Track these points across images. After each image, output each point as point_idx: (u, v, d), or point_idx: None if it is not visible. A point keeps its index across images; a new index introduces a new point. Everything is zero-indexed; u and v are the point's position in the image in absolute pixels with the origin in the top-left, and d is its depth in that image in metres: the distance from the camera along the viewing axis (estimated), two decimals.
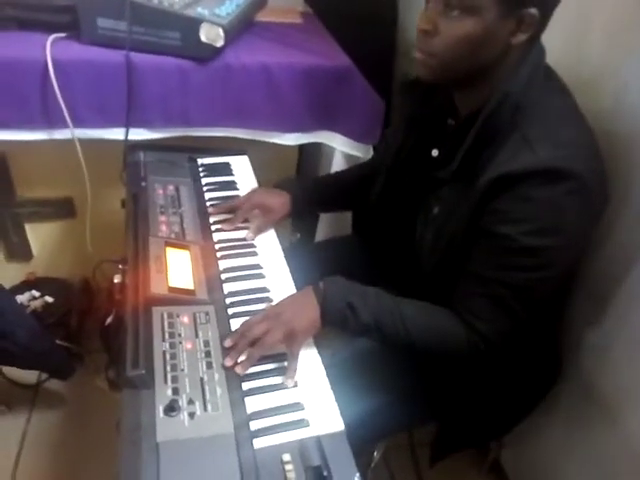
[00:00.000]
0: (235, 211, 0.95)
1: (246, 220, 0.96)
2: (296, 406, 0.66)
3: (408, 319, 0.74)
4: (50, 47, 1.01)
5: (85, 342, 1.40)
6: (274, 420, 0.64)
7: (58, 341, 1.32)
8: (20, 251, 1.40)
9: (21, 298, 1.37)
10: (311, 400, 0.67)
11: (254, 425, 0.63)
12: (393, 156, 0.90)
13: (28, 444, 1.25)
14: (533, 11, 0.65)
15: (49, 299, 1.39)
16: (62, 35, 1.06)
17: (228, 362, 0.68)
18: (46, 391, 1.37)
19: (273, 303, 0.80)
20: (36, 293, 1.40)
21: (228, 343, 0.71)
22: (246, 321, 0.73)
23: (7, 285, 1.40)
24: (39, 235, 1.40)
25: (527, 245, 0.68)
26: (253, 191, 1.00)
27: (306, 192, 1.01)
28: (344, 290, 0.75)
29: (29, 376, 1.35)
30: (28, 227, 1.37)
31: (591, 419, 0.94)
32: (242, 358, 0.69)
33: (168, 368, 0.67)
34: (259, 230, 0.94)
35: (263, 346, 0.69)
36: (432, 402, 0.89)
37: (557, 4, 0.68)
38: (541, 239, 0.68)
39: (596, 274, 0.89)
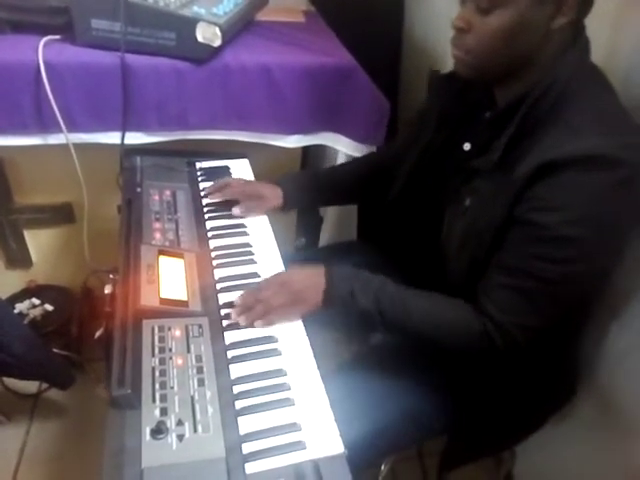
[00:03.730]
0: (226, 189, 0.97)
1: (237, 202, 0.96)
2: (292, 427, 0.61)
3: (411, 307, 0.73)
4: (42, 49, 0.98)
5: (85, 351, 1.37)
6: (268, 442, 0.59)
7: (58, 350, 1.30)
8: (19, 258, 1.38)
9: (21, 306, 1.35)
10: (308, 420, 0.63)
11: (247, 448, 0.59)
12: (419, 153, 0.87)
13: (27, 455, 1.23)
14: None
15: (49, 307, 1.37)
16: (56, 37, 1.04)
17: (233, 315, 0.73)
18: (46, 401, 1.34)
19: None
20: (36, 301, 1.38)
21: (237, 301, 0.75)
22: (255, 284, 0.78)
23: (7, 293, 1.39)
24: (38, 242, 1.38)
25: (563, 235, 0.64)
26: (248, 181, 1.03)
27: (299, 186, 1.02)
28: (349, 277, 0.76)
29: (29, 386, 1.33)
30: (27, 234, 1.35)
31: (608, 431, 0.90)
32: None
33: (157, 386, 0.63)
34: (249, 210, 0.95)
35: (268, 305, 0.73)
36: (442, 414, 0.84)
37: None
38: (579, 229, 0.64)
39: (614, 284, 0.84)
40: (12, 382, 1.30)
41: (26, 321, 1.32)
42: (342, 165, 1.14)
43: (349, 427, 0.63)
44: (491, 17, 0.65)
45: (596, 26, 0.70)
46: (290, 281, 0.76)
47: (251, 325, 0.73)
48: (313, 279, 0.76)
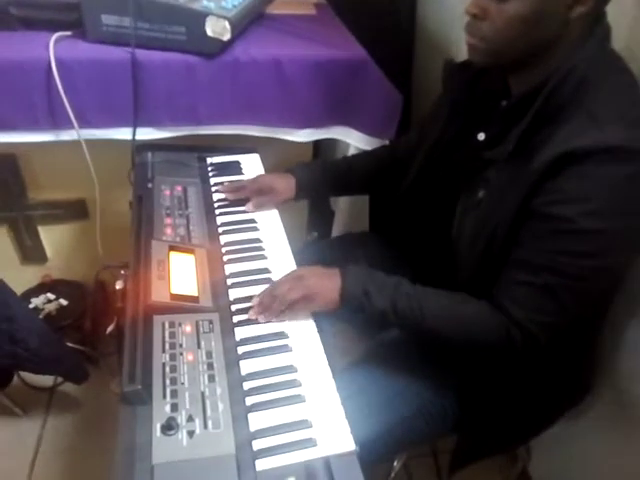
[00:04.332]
0: (241, 190, 0.97)
1: (248, 199, 0.97)
2: (303, 423, 0.61)
3: (427, 306, 0.71)
4: (53, 46, 0.98)
5: (100, 345, 1.39)
6: (279, 439, 0.59)
7: (72, 344, 1.31)
8: (34, 254, 1.40)
9: (36, 301, 1.37)
10: (319, 417, 0.62)
11: (257, 444, 0.58)
12: (432, 144, 0.86)
13: (44, 447, 1.25)
14: None
15: (64, 302, 1.38)
16: (66, 34, 1.04)
17: (252, 314, 0.74)
18: (61, 394, 1.36)
19: None
20: (51, 296, 1.39)
21: (254, 301, 0.75)
22: (271, 283, 0.77)
23: (23, 288, 1.41)
24: (53, 237, 1.39)
25: (586, 228, 0.62)
26: (260, 175, 1.03)
27: (313, 175, 1.01)
28: (363, 277, 0.75)
29: (45, 379, 1.34)
30: (41, 229, 1.36)
31: (626, 427, 0.89)
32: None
33: (167, 382, 0.63)
34: (260, 205, 0.96)
35: (284, 300, 0.73)
36: (454, 411, 0.83)
37: None
38: (602, 222, 0.62)
39: (634, 274, 0.82)
40: (28, 375, 1.31)
41: (41, 316, 1.34)
42: (356, 155, 1.13)
43: (360, 424, 0.63)
44: (508, 4, 0.63)
45: (618, 12, 0.67)
46: (305, 276, 0.76)
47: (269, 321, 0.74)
48: (329, 277, 0.76)
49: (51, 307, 1.36)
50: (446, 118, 0.83)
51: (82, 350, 1.33)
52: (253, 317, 0.73)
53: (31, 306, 1.35)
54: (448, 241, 0.81)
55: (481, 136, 0.78)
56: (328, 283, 0.75)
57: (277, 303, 0.73)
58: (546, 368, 0.78)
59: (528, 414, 0.84)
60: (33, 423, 1.29)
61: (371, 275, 0.75)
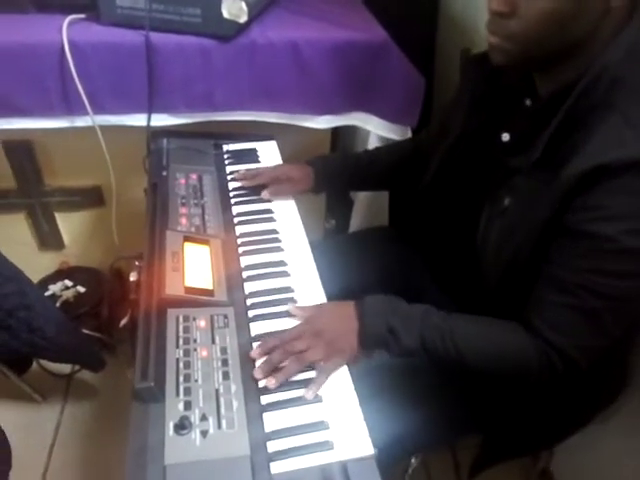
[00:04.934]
0: (257, 177, 0.94)
1: (265, 186, 0.93)
2: (320, 425, 0.59)
3: (461, 340, 0.65)
4: (67, 29, 0.96)
5: (116, 332, 1.38)
6: (295, 441, 0.57)
7: (89, 332, 1.31)
8: (52, 240, 1.40)
9: (54, 288, 1.37)
10: (337, 418, 0.60)
11: (272, 446, 0.56)
12: (453, 140, 0.80)
13: (62, 434, 1.26)
14: None
15: (81, 289, 1.38)
16: (80, 16, 1.01)
17: (259, 374, 0.63)
18: (79, 381, 1.37)
19: (298, 304, 0.73)
20: (69, 283, 1.39)
21: (257, 355, 0.65)
22: (281, 334, 0.67)
23: (41, 274, 1.41)
24: (70, 224, 1.38)
25: (630, 247, 0.57)
26: (278, 164, 1.00)
27: (332, 168, 0.97)
28: (385, 312, 0.68)
29: (63, 366, 1.35)
30: (58, 216, 1.35)
31: None
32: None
33: (181, 379, 0.61)
34: (276, 193, 0.93)
35: (303, 362, 0.64)
36: (478, 413, 0.80)
37: None
38: None
39: None
40: (47, 362, 1.32)
41: (59, 303, 1.34)
42: (378, 148, 1.09)
43: (379, 426, 0.60)
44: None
45: None
46: (323, 330, 0.66)
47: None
48: (345, 323, 0.68)
49: (69, 294, 1.36)
50: (466, 112, 0.78)
51: (99, 337, 1.33)
52: (259, 377, 0.62)
53: (49, 293, 1.35)
54: (472, 247, 0.76)
55: (505, 137, 0.72)
56: (346, 332, 0.67)
57: (296, 362, 0.63)
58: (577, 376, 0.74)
59: (557, 418, 0.81)
60: (52, 409, 1.30)
61: (392, 307, 0.69)
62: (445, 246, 0.88)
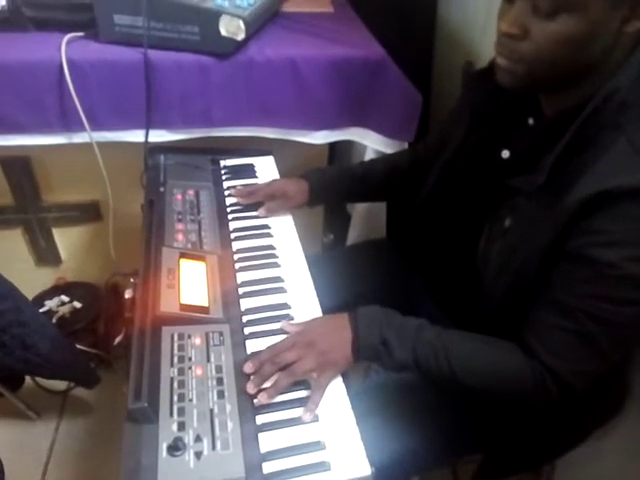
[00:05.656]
0: (253, 194, 0.94)
1: (262, 203, 0.94)
2: (316, 445, 0.58)
3: (454, 357, 0.64)
4: (65, 47, 0.96)
5: (113, 349, 1.37)
6: (290, 462, 0.56)
7: (85, 347, 1.30)
8: (49, 256, 1.39)
9: (50, 303, 1.36)
10: (333, 438, 0.59)
11: (268, 467, 0.56)
12: (452, 154, 0.80)
13: (57, 451, 1.24)
14: None
15: (77, 305, 1.37)
16: (79, 34, 1.02)
17: (251, 388, 0.62)
18: (75, 397, 1.35)
19: (294, 321, 0.72)
20: (65, 298, 1.38)
21: (249, 368, 0.64)
22: (273, 346, 0.66)
23: (38, 290, 1.40)
24: (67, 239, 1.38)
25: (631, 274, 0.57)
26: (273, 179, 0.99)
27: (327, 181, 0.97)
28: (379, 324, 0.67)
29: (59, 383, 1.34)
30: (55, 231, 1.35)
31: None
32: (267, 385, 0.63)
33: (175, 398, 0.60)
34: (272, 210, 0.93)
35: (294, 374, 0.63)
36: (477, 431, 0.78)
37: None
38: None
39: None
40: (42, 379, 1.31)
41: (55, 318, 1.33)
42: (373, 160, 1.08)
43: (376, 445, 0.59)
44: (555, 22, 0.55)
45: None
46: (315, 341, 0.66)
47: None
48: (338, 334, 0.67)
49: (65, 310, 1.35)
50: (467, 127, 0.77)
51: (95, 353, 1.32)
52: (251, 392, 0.62)
53: (45, 308, 1.34)
54: (471, 264, 0.75)
55: (505, 154, 0.71)
56: (339, 343, 0.66)
57: (287, 375, 0.63)
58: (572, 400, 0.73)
59: (556, 434, 0.80)
60: (47, 427, 1.28)
61: (387, 319, 0.68)
62: (443, 261, 0.88)
